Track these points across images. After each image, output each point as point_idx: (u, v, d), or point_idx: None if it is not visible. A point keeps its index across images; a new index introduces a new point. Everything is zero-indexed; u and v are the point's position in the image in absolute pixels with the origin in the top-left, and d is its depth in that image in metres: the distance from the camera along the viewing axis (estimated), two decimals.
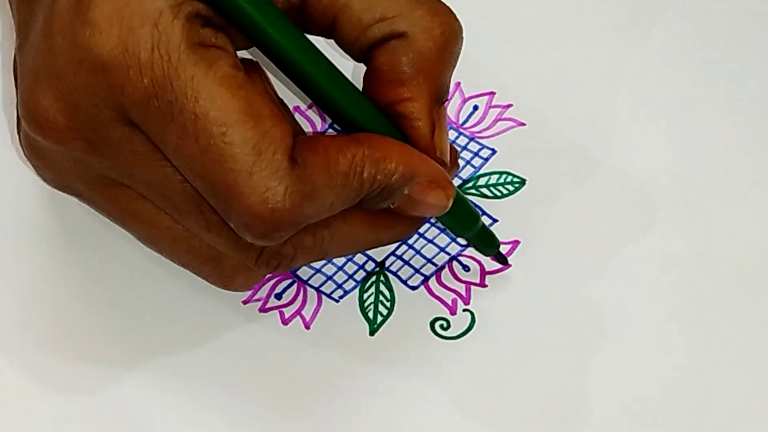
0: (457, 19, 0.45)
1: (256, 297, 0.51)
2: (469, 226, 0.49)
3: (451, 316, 0.50)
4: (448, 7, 0.45)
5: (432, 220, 0.51)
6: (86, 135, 0.43)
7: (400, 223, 0.47)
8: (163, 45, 0.41)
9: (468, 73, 0.55)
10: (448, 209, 0.46)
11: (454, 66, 0.46)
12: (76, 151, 0.43)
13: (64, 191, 0.47)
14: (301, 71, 0.43)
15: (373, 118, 0.45)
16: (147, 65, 0.41)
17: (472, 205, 0.49)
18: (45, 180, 0.47)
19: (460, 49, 0.46)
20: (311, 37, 0.44)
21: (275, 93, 0.46)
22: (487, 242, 0.50)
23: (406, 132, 0.45)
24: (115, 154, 0.43)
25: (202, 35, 0.42)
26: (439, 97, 0.45)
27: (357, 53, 0.45)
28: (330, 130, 0.54)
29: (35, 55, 0.43)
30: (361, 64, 0.46)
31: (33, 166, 0.47)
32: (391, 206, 0.45)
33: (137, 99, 0.41)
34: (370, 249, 0.48)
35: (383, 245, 0.48)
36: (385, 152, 0.44)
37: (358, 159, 0.43)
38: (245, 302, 0.51)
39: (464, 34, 0.46)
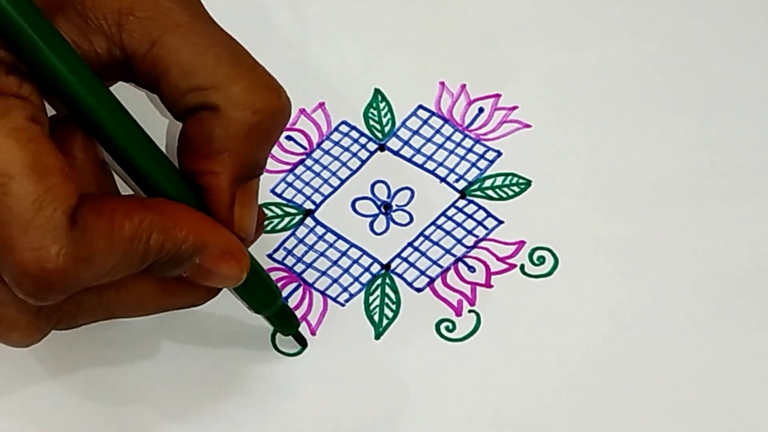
0: (280, 97, 0.44)
1: None
2: (268, 303, 0.48)
3: (456, 318, 0.50)
4: (272, 84, 0.43)
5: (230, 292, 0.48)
6: None
7: (193, 291, 0.45)
8: None
9: (473, 76, 0.55)
10: (242, 281, 0.44)
11: (272, 143, 0.44)
12: None
13: None
14: (101, 127, 0.42)
15: (172, 182, 0.43)
16: None
17: (272, 282, 0.48)
18: None
19: (282, 125, 0.44)
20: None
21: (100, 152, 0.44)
22: (285, 321, 0.49)
23: (207, 202, 0.44)
24: None
25: (5, 83, 0.40)
26: (247, 174, 0.44)
27: (176, 116, 0.44)
28: (336, 133, 0.54)
29: None
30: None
31: None
32: (183, 274, 0.44)
33: None
34: (161, 312, 0.46)
35: (177, 309, 0.46)
36: (176, 220, 0.42)
37: (145, 225, 0.41)
38: None
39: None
